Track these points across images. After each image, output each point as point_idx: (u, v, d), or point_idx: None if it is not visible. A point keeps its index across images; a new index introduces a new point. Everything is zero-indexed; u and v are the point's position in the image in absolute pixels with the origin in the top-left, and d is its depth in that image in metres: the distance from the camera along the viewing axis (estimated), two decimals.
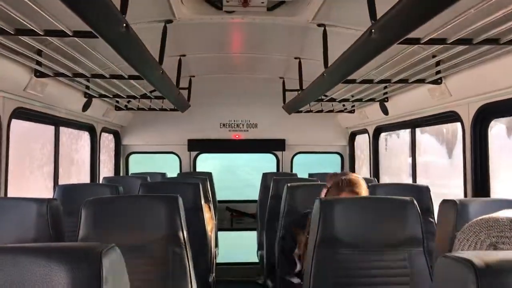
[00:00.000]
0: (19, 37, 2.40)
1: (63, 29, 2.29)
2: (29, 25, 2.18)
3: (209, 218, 3.91)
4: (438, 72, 3.27)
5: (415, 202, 2.30)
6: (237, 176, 7.18)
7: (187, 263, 2.34)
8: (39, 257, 0.95)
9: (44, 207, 2.11)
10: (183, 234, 2.36)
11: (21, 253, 0.97)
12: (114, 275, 0.99)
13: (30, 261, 0.95)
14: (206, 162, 6.79)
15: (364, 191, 2.57)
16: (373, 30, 1.95)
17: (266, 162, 6.78)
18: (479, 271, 0.80)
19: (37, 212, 2.10)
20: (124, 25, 1.90)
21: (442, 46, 2.56)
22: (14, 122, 3.24)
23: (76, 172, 5.17)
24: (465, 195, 3.39)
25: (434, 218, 3.58)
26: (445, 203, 2.17)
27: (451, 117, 3.67)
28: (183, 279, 2.31)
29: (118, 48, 2.11)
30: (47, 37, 2.43)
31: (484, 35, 2.31)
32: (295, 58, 4.33)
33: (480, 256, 0.84)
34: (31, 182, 4.22)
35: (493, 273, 0.80)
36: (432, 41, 2.45)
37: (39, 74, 3.22)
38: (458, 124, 3.54)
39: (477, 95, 3.20)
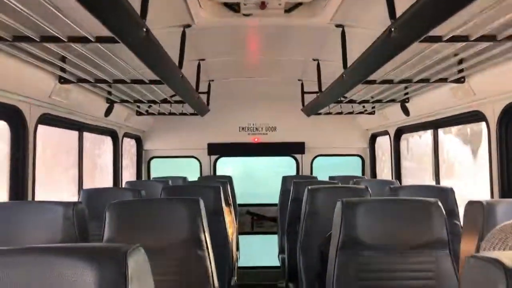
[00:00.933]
0: (44, 44, 2.47)
1: (86, 35, 2.35)
2: (53, 32, 2.25)
3: (230, 222, 3.92)
4: (460, 71, 3.19)
5: (439, 203, 2.25)
6: (257, 182, 7.18)
7: (209, 266, 2.34)
8: (66, 257, 0.98)
9: (70, 211, 2.16)
10: (205, 237, 2.37)
11: (49, 253, 1.00)
12: (139, 275, 1.01)
13: (58, 261, 0.97)
14: (225, 168, 6.81)
15: None
16: (392, 29, 1.91)
17: (287, 168, 6.75)
18: (509, 271, 0.78)
19: (63, 215, 2.15)
20: (144, 29, 1.93)
21: (464, 43, 2.51)
22: (40, 127, 3.34)
23: (99, 176, 5.27)
24: (492, 196, 3.31)
25: (459, 221, 3.50)
26: (471, 204, 2.11)
27: (475, 116, 3.59)
28: (206, 282, 2.32)
29: (139, 52, 2.15)
30: (71, 44, 2.49)
31: (508, 31, 2.25)
32: (314, 59, 4.31)
33: (509, 256, 0.81)
34: (57, 184, 4.34)
35: None
36: (454, 39, 2.39)
37: (63, 81, 3.31)
38: (483, 124, 3.46)
39: (503, 93, 3.11)
